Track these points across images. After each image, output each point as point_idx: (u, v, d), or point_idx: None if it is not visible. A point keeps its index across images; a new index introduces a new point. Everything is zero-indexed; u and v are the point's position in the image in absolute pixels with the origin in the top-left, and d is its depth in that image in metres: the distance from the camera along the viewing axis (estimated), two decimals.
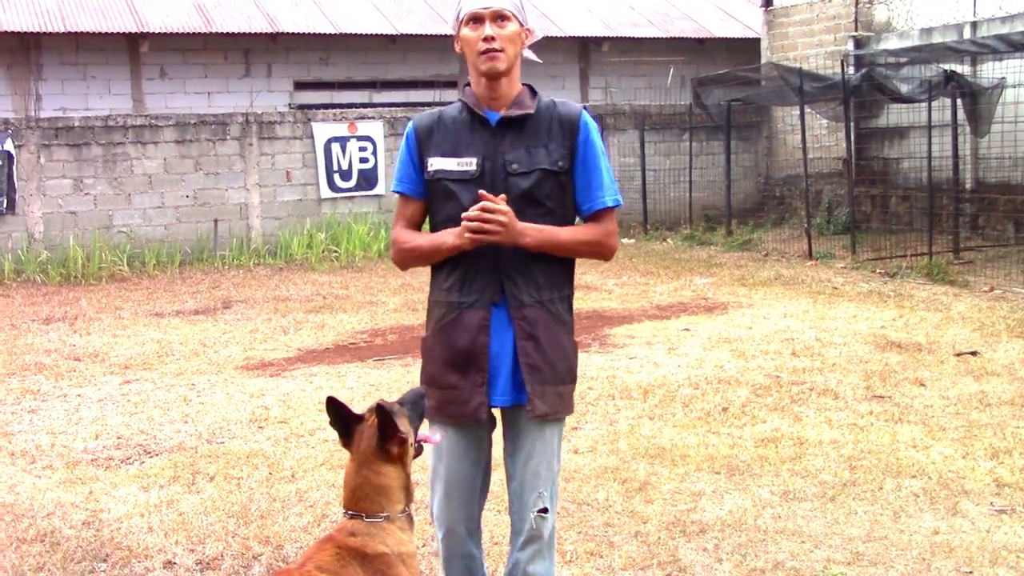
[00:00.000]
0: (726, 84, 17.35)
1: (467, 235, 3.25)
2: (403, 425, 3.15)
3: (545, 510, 3.44)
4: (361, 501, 3.10)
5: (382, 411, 3.09)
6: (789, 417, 6.91)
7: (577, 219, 3.48)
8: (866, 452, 6.12)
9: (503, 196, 3.26)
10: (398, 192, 3.50)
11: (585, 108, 3.47)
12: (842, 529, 5.02)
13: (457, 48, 3.41)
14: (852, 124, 15.91)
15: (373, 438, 3.11)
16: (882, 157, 17.34)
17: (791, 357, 8.67)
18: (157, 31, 17.40)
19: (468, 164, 3.35)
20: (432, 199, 3.42)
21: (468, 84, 3.44)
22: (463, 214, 3.25)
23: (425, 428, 3.38)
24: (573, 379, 3.49)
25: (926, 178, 14.16)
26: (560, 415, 3.45)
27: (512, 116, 3.35)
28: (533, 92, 3.45)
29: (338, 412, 3.17)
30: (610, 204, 3.41)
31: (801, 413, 7.00)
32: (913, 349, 8.80)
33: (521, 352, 3.34)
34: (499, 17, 3.30)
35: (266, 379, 8.51)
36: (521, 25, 3.35)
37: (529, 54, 3.48)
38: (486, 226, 3.23)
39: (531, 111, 3.36)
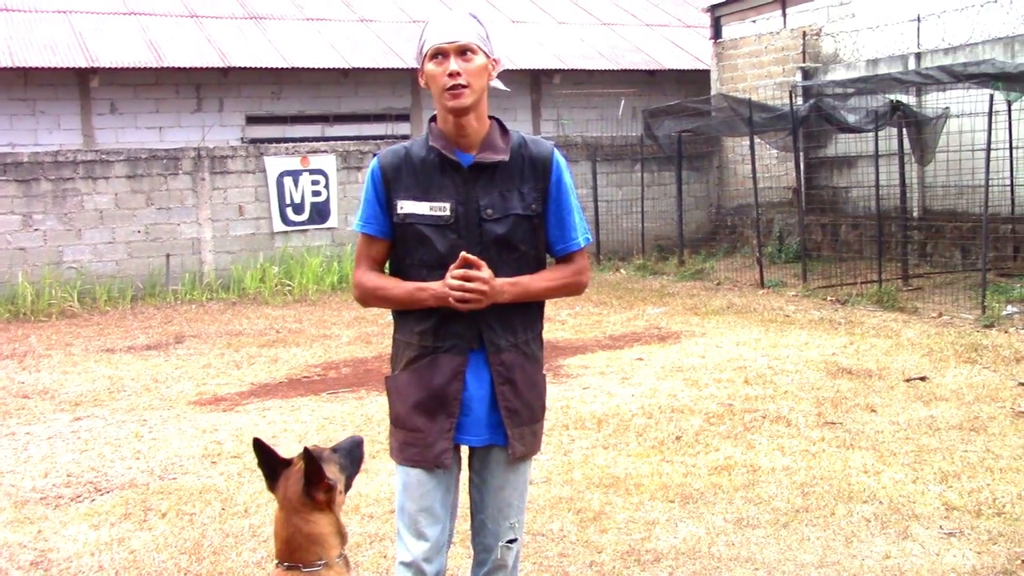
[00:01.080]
0: (677, 115, 17.52)
1: (452, 303, 3.23)
2: (331, 472, 3.10)
3: (513, 540, 3.45)
4: (296, 552, 3.03)
5: (308, 456, 3.04)
6: (742, 445, 6.95)
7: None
8: (818, 478, 6.17)
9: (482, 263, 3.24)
10: (363, 232, 3.41)
11: (556, 147, 3.46)
12: (795, 555, 5.05)
13: (422, 83, 3.34)
14: (801, 154, 16.12)
15: (299, 484, 3.05)
16: (831, 186, 17.56)
17: (744, 385, 8.73)
18: (108, 66, 17.30)
19: (442, 209, 3.29)
20: (401, 242, 3.35)
21: (433, 119, 3.38)
22: (448, 283, 3.21)
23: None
24: (543, 413, 3.51)
25: (874, 206, 14.35)
26: (534, 453, 3.48)
27: (485, 162, 3.31)
28: (503, 128, 3.40)
29: (264, 455, 3.12)
30: (582, 245, 3.43)
31: (754, 441, 7.05)
32: (864, 375, 8.89)
33: (500, 397, 3.34)
34: (464, 51, 3.24)
35: (219, 414, 8.44)
36: (488, 56, 3.30)
37: (497, 83, 3.42)
38: (470, 296, 3.21)
39: (505, 158, 3.31)
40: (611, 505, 5.83)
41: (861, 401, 8.00)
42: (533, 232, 3.37)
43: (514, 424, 3.36)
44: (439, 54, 3.25)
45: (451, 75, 3.22)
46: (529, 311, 3.42)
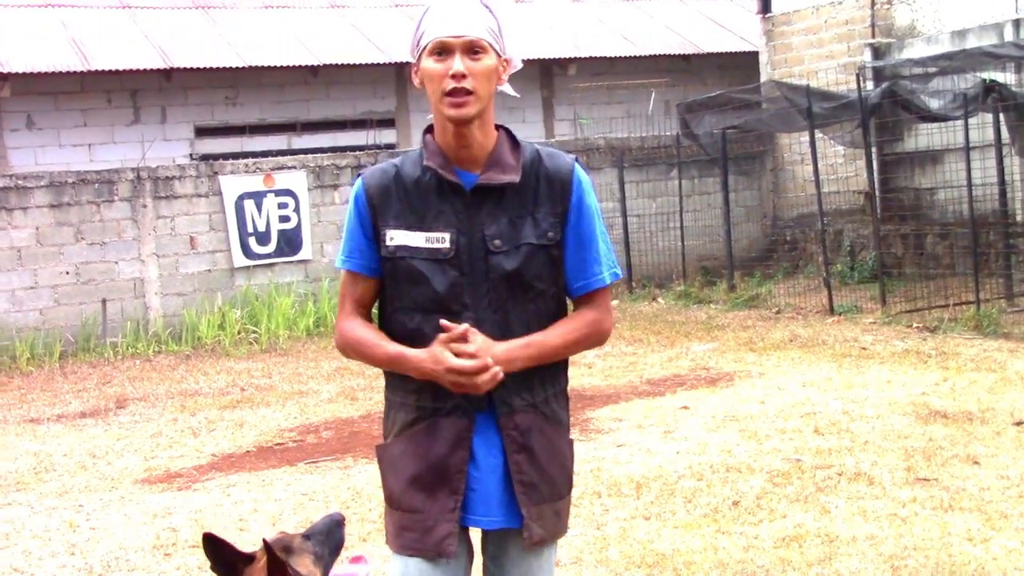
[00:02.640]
0: (719, 109, 17.55)
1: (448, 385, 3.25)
2: (302, 565, 3.08)
3: None
4: None
5: (270, 552, 3.02)
6: (815, 509, 6.92)
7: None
8: (911, 549, 6.14)
9: (467, 329, 3.25)
10: (346, 269, 3.42)
11: (577, 161, 3.45)
12: None
13: (416, 81, 3.34)
14: (874, 150, 16.12)
15: None
16: (912, 188, 17.57)
17: (814, 436, 8.70)
18: (20, 71, 17.42)
19: (440, 241, 3.29)
20: (391, 280, 3.35)
21: (429, 131, 3.38)
22: (444, 372, 3.21)
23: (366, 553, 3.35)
24: (570, 488, 3.50)
25: (967, 210, 14.34)
26: (559, 537, 3.47)
27: (491, 184, 3.30)
28: (513, 140, 3.39)
29: (219, 553, 3.11)
30: (608, 282, 3.42)
31: (829, 504, 7.02)
32: (962, 419, 8.86)
33: (514, 469, 3.32)
34: (472, 48, 3.22)
35: (173, 494, 8.43)
36: (499, 55, 3.29)
37: (507, 88, 3.42)
38: (468, 383, 3.21)
39: (515, 178, 3.31)
40: None
41: (960, 451, 7.96)
42: (551, 266, 3.36)
43: (531, 501, 3.34)
44: (442, 49, 3.23)
45: (455, 76, 3.20)
46: (549, 363, 3.41)
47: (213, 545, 3.09)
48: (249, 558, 3.10)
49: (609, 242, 3.47)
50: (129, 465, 9.43)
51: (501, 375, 3.21)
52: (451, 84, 3.21)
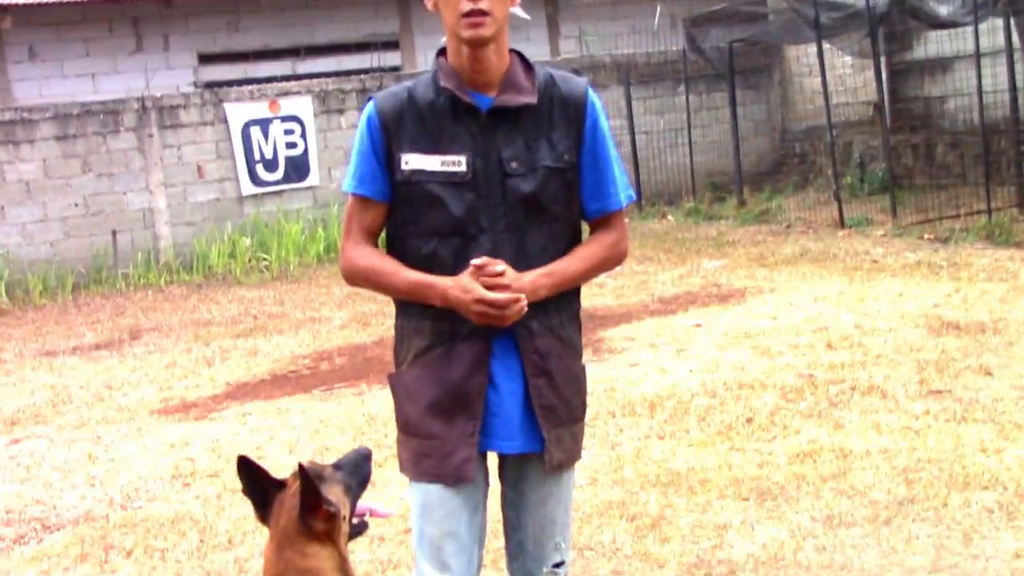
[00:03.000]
0: (726, 22, 17.40)
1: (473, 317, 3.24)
2: (333, 494, 3.10)
3: (560, 563, 3.48)
4: None
5: (304, 476, 3.04)
6: (828, 425, 6.95)
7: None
8: (925, 461, 6.17)
9: (502, 269, 3.23)
10: (355, 194, 3.39)
11: (589, 84, 3.46)
12: (901, 559, 5.06)
13: (429, 4, 3.33)
14: (882, 59, 15.99)
15: (295, 510, 3.06)
16: (922, 97, 17.45)
17: (826, 350, 8.72)
18: (21, 2, 17.30)
19: (456, 164, 3.28)
20: (406, 205, 3.33)
21: (441, 52, 3.37)
22: (472, 302, 3.20)
23: (384, 494, 3.37)
24: (585, 411, 3.53)
25: (978, 118, 14.25)
26: (575, 460, 3.50)
27: (507, 106, 3.30)
28: (526, 64, 3.39)
29: (252, 477, 3.12)
30: (624, 204, 3.44)
31: (842, 418, 7.05)
32: (975, 330, 8.86)
33: (534, 392, 3.34)
34: None
35: (189, 424, 8.49)
36: None
37: (517, 11, 3.41)
38: (495, 314, 3.22)
39: (532, 100, 3.31)
40: (672, 508, 5.85)
41: (973, 363, 7.97)
42: (567, 188, 3.37)
43: (551, 425, 3.36)
44: None
45: None
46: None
47: (247, 469, 3.11)
48: (280, 484, 3.13)
49: (622, 165, 3.48)
50: (145, 396, 9.49)
51: (526, 307, 3.23)
52: (468, 6, 3.19)
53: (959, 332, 8.85)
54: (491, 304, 3.18)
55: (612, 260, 3.46)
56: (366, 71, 19.04)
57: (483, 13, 3.19)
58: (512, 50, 3.38)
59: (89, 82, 18.52)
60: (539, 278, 3.27)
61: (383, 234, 3.47)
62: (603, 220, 3.44)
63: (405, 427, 3.43)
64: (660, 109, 19.27)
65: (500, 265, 3.21)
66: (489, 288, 3.19)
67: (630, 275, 12.89)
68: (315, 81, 17.66)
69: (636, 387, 8.21)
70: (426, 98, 3.32)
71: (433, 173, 3.29)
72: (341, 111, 17.31)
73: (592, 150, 3.39)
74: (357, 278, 3.43)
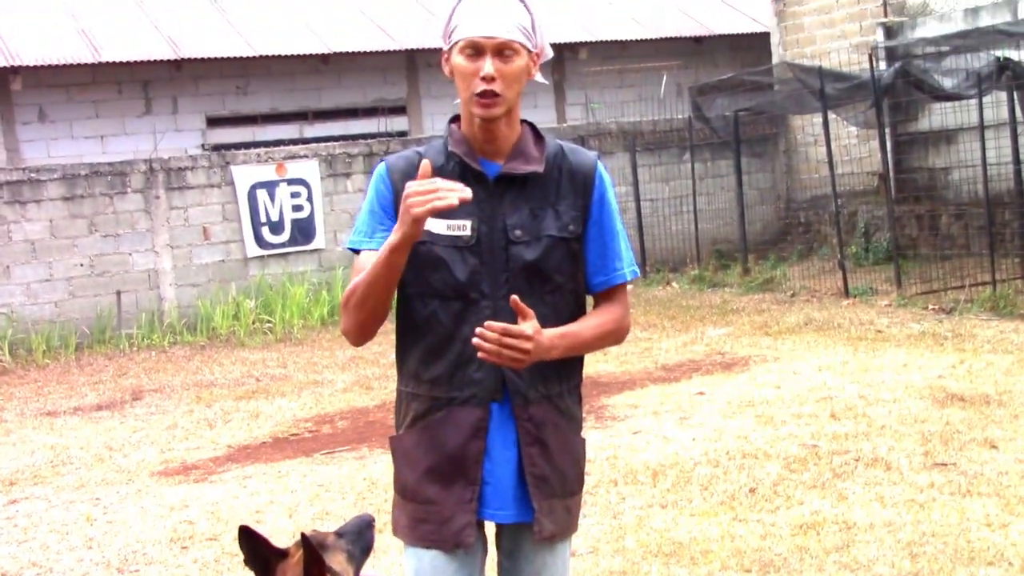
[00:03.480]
0: (732, 91, 17.50)
1: (480, 354, 3.14)
2: (336, 562, 3.09)
3: None
4: None
5: (308, 545, 3.02)
6: (832, 496, 6.91)
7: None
8: (929, 535, 6.13)
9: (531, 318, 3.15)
10: (361, 249, 3.34)
11: (599, 158, 3.47)
12: None
13: (446, 70, 3.34)
14: (887, 130, 16.07)
15: None
16: (927, 168, 17.50)
17: (830, 421, 8.68)
18: (32, 64, 17.44)
19: (461, 228, 3.28)
20: (409, 265, 3.27)
21: (455, 120, 3.39)
22: (478, 331, 3.11)
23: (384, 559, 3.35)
24: (582, 486, 3.50)
25: (982, 190, 14.29)
26: (570, 533, 3.46)
27: (514, 173, 3.31)
28: (537, 134, 3.40)
29: (254, 546, 3.10)
30: (629, 279, 3.43)
31: (846, 490, 7.01)
32: (980, 402, 8.83)
33: (527, 461, 3.32)
34: (503, 50, 3.22)
35: (189, 486, 8.46)
36: (530, 52, 3.28)
37: (537, 77, 3.41)
38: (506, 353, 3.12)
39: (539, 168, 3.32)
40: None
41: (978, 435, 7.94)
42: (572, 259, 3.36)
43: (543, 495, 3.33)
44: (472, 49, 3.22)
45: (485, 79, 3.21)
46: (567, 357, 3.40)
47: (248, 539, 3.08)
48: (283, 553, 3.10)
49: (628, 240, 3.47)
50: (146, 457, 9.46)
51: (536, 347, 3.16)
52: (481, 86, 3.21)
53: (964, 404, 8.82)
54: (503, 334, 3.11)
55: (617, 333, 3.44)
56: (373, 136, 19.16)
57: (496, 94, 3.22)
58: (524, 121, 3.40)
59: (98, 143, 18.64)
60: (555, 337, 3.24)
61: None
62: (607, 294, 3.43)
63: (403, 491, 3.41)
64: (665, 176, 19.33)
65: (528, 327, 3.15)
66: (510, 342, 3.12)
67: (634, 342, 12.87)
68: (322, 145, 17.74)
69: (639, 455, 8.17)
70: (436, 163, 3.31)
71: (439, 236, 3.29)
72: (348, 175, 17.38)
73: (598, 223, 3.39)
74: (348, 315, 3.29)
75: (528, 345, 3.13)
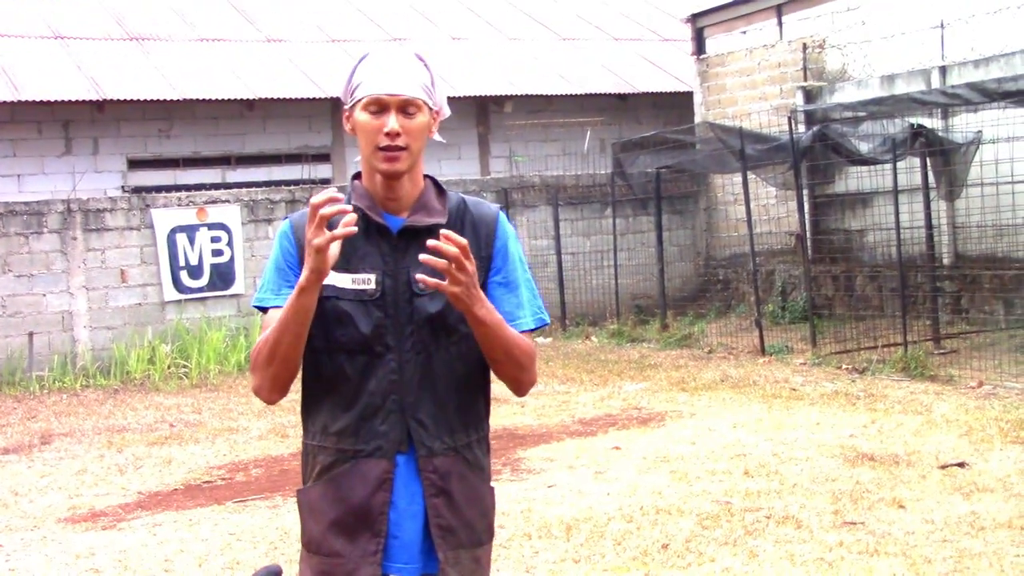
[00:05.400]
0: (654, 148, 17.70)
1: (422, 282, 3.07)
2: None
3: None
4: None
5: None
6: (743, 553, 6.94)
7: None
8: None
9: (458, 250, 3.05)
10: (268, 307, 3.34)
11: (502, 210, 3.49)
12: None
13: (347, 128, 3.35)
14: (805, 192, 16.31)
15: None
16: (843, 229, 17.77)
17: (743, 478, 8.74)
18: None
19: (366, 282, 3.29)
20: (316, 320, 3.25)
21: (357, 176, 3.40)
22: (437, 242, 3.03)
23: None
24: (491, 536, 3.48)
25: (896, 253, 14.52)
26: None
27: (418, 226, 3.31)
28: (439, 189, 3.42)
29: None
30: (532, 327, 3.40)
31: (757, 547, 7.04)
32: (889, 462, 8.93)
33: (431, 512, 3.30)
34: (407, 107, 3.25)
35: (97, 533, 8.31)
36: (431, 109, 3.31)
37: (436, 136, 3.43)
38: (455, 274, 3.05)
39: (442, 220, 3.32)
40: None
41: (887, 495, 8.03)
42: None
43: (448, 546, 3.32)
44: (376, 107, 3.25)
45: (388, 135, 3.23)
46: (473, 404, 3.40)
47: None
48: None
49: (535, 289, 3.47)
50: (53, 503, 9.29)
51: (473, 293, 3.11)
52: (385, 141, 3.23)
53: (874, 463, 8.92)
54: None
55: (528, 359, 3.35)
56: (296, 182, 19.14)
57: (400, 148, 3.24)
58: (426, 175, 3.42)
59: (14, 183, 18.43)
60: (487, 302, 3.20)
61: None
62: None
63: (308, 544, 3.39)
64: (587, 231, 19.48)
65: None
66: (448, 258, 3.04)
67: (551, 395, 12.90)
68: (244, 190, 17.67)
69: (553, 509, 8.16)
70: (339, 218, 3.33)
71: (344, 290, 3.30)
72: (269, 221, 17.31)
73: (500, 272, 3.40)
74: (258, 371, 3.27)
75: (471, 268, 3.06)
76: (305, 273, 3.11)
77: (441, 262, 3.06)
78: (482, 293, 3.20)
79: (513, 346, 3.33)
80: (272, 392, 3.31)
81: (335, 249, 3.09)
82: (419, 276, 3.11)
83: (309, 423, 3.41)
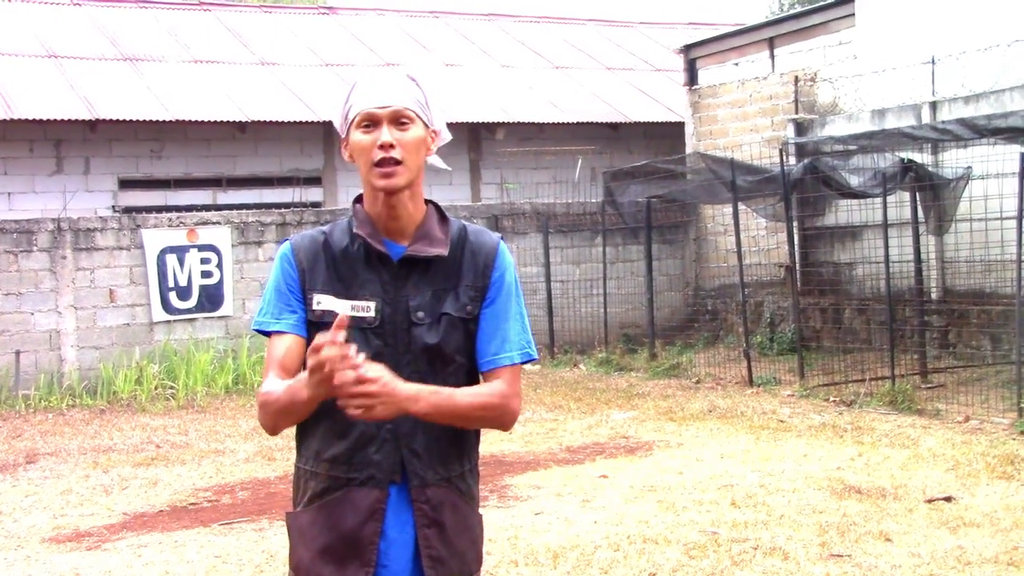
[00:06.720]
0: (645, 178, 17.75)
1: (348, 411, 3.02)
2: None
3: None
4: None
5: None
6: None
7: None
8: None
9: (362, 356, 2.99)
10: (270, 331, 3.34)
11: (502, 239, 3.47)
12: None
13: (345, 155, 3.35)
14: (795, 224, 16.35)
15: None
16: (832, 262, 17.82)
17: (730, 508, 8.73)
18: None
19: (366, 309, 3.28)
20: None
21: (358, 200, 3.39)
22: (336, 375, 2.95)
23: None
24: (480, 565, 3.49)
25: (884, 286, 14.56)
26: None
27: (418, 256, 3.31)
28: (442, 215, 3.41)
29: None
30: (517, 361, 3.37)
31: None
32: (876, 495, 8.94)
33: (423, 543, 3.30)
34: (399, 119, 3.25)
35: (82, 554, 8.28)
36: (427, 127, 3.32)
37: (436, 161, 3.44)
38: (355, 401, 3.00)
39: (443, 252, 3.32)
40: None
41: (873, 528, 8.03)
42: (469, 340, 3.37)
43: None
44: (369, 121, 3.26)
45: (383, 147, 3.22)
46: (465, 434, 3.40)
47: None
48: None
49: (527, 324, 3.44)
50: (37, 523, 9.25)
51: (385, 404, 3.04)
52: (380, 155, 3.23)
53: (860, 496, 8.93)
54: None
55: (501, 410, 3.33)
56: (287, 205, 19.14)
57: (396, 162, 3.23)
58: (429, 201, 3.41)
59: (4, 200, 18.42)
60: (421, 391, 3.14)
61: None
62: (493, 372, 3.36)
63: (297, 569, 3.39)
64: (577, 259, 19.51)
65: (373, 370, 3.00)
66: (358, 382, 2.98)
67: (539, 423, 12.90)
68: (234, 212, 17.67)
69: (540, 536, 8.15)
70: (340, 244, 3.34)
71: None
72: (259, 243, 17.31)
73: (494, 302, 3.38)
74: (264, 415, 3.30)
75: (373, 388, 2.98)
76: (309, 392, 3.04)
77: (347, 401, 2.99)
78: (406, 391, 3.09)
79: (469, 413, 3.30)
80: (274, 432, 3.35)
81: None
82: (351, 413, 3.02)
83: (303, 447, 3.41)
